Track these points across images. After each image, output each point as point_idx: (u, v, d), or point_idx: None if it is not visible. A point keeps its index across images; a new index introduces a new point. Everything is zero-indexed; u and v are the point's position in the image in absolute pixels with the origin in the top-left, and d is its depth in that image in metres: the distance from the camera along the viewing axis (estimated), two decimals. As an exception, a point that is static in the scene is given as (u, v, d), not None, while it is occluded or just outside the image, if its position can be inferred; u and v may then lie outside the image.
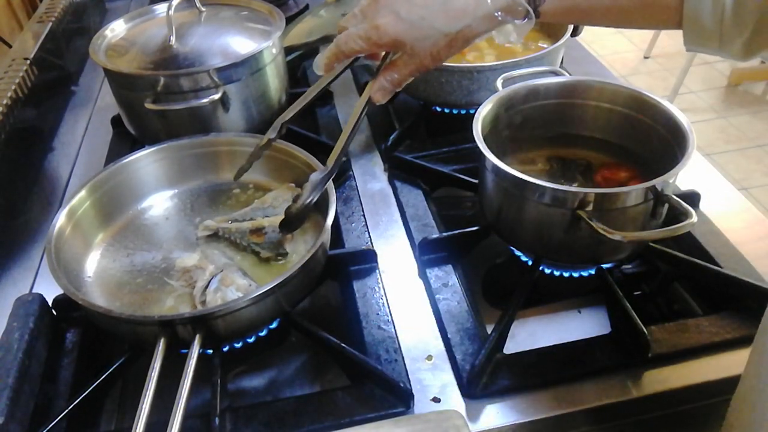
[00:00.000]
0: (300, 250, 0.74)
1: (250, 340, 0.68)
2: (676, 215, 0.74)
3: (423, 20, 0.57)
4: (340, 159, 0.69)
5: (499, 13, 0.57)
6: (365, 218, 0.84)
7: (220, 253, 0.74)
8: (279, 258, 0.73)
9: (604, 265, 0.72)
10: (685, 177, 0.85)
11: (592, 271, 0.74)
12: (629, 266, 0.78)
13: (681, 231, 0.60)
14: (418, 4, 0.57)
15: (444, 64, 0.92)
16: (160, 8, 0.99)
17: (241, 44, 0.91)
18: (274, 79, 0.93)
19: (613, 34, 3.43)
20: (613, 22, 0.61)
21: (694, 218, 0.60)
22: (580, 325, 0.75)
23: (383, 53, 0.66)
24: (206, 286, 0.67)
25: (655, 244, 0.74)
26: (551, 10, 0.58)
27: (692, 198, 0.80)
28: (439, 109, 1.02)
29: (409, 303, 0.73)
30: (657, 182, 0.62)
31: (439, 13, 0.57)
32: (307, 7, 1.31)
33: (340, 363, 0.67)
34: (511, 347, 0.67)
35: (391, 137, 0.95)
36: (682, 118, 0.70)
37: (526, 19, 0.58)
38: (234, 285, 0.67)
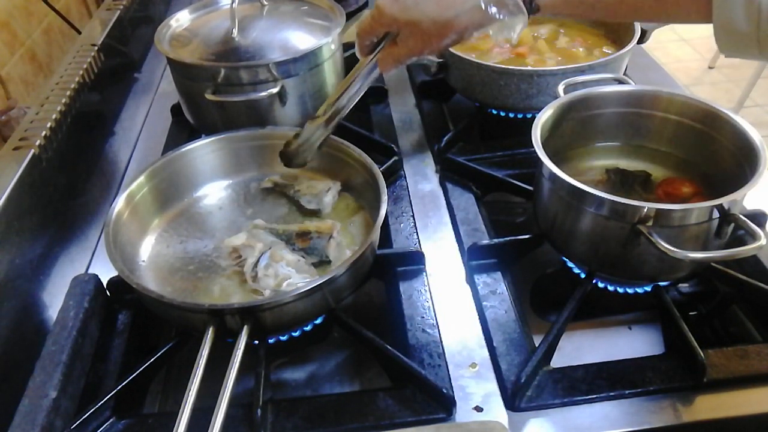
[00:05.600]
0: (345, 257, 0.73)
1: (295, 334, 0.69)
2: (740, 236, 0.71)
3: (416, 5, 0.62)
4: (336, 113, 0.76)
5: (491, 7, 0.59)
6: (414, 219, 0.83)
7: (267, 233, 0.75)
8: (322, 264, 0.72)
9: (661, 283, 0.70)
10: (751, 196, 0.82)
11: (648, 288, 0.71)
12: (686, 285, 0.75)
13: (748, 253, 0.58)
14: None
15: (503, 66, 0.92)
16: (224, 0, 1.00)
17: (301, 39, 0.91)
18: (331, 75, 0.94)
19: (676, 42, 3.32)
20: (626, 16, 0.60)
21: (763, 241, 0.57)
22: (629, 342, 0.72)
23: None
24: (256, 263, 0.69)
25: (716, 264, 0.71)
26: (550, 3, 0.57)
27: (759, 219, 0.77)
28: (495, 111, 1.00)
29: (455, 308, 0.72)
30: (725, 200, 0.59)
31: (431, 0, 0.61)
32: (366, 4, 1.31)
33: (383, 363, 0.67)
34: (556, 360, 0.66)
35: (445, 138, 0.94)
36: (755, 135, 0.67)
37: (519, 14, 0.58)
38: (284, 261, 0.69)
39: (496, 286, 0.73)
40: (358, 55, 0.74)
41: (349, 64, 1.08)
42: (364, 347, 0.67)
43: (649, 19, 0.58)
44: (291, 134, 0.79)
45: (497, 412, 0.61)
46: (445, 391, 0.60)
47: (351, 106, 0.76)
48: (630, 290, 0.72)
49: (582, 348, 0.71)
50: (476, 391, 0.63)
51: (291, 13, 0.98)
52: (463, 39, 0.64)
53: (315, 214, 0.78)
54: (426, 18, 0.61)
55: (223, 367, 0.56)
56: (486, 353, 0.67)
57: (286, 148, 0.79)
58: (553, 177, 0.66)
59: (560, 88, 0.78)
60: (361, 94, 0.76)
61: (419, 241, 0.80)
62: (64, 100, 0.92)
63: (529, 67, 0.91)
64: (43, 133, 0.84)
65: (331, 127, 0.77)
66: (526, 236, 0.76)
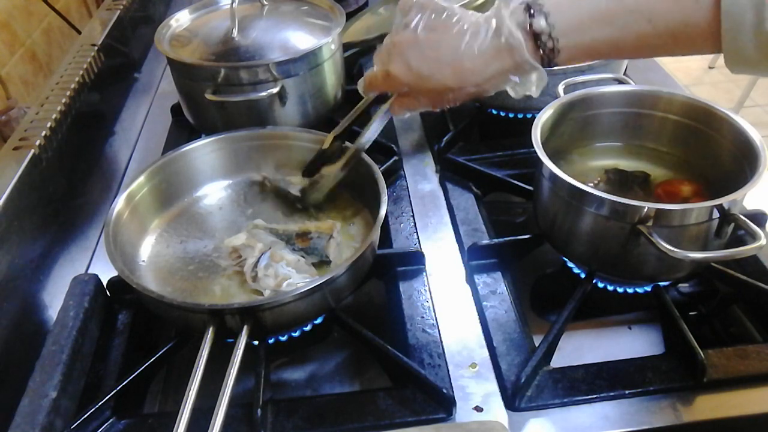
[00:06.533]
0: (345, 256, 0.73)
1: (295, 334, 0.69)
2: (740, 236, 0.71)
3: (431, 75, 0.59)
4: (352, 157, 0.76)
5: (511, 75, 0.58)
6: (414, 219, 0.83)
7: (267, 233, 0.75)
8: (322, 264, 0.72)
9: (661, 283, 0.70)
10: (751, 196, 0.82)
11: (648, 288, 0.71)
12: (686, 285, 0.75)
13: (748, 253, 0.58)
14: (428, 57, 0.59)
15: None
16: (224, 0, 1.00)
17: (300, 39, 0.91)
18: (331, 75, 0.94)
19: (676, 41, 3.31)
20: (641, 55, 0.59)
21: (763, 241, 0.57)
22: (629, 342, 0.72)
23: None
24: (256, 263, 0.69)
25: (716, 264, 0.71)
26: (568, 58, 0.57)
27: (759, 219, 0.77)
28: (494, 111, 1.00)
29: (455, 308, 0.72)
30: (725, 200, 0.59)
31: (448, 69, 0.58)
32: (366, 4, 1.31)
33: (383, 363, 0.67)
34: (556, 360, 0.66)
35: (445, 138, 0.94)
36: (755, 135, 0.67)
37: (535, 71, 0.58)
38: (284, 260, 0.69)
39: (496, 286, 0.73)
40: (361, 92, 0.72)
41: (349, 64, 1.09)
42: (364, 347, 0.67)
43: (663, 56, 0.58)
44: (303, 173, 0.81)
45: (497, 412, 0.61)
46: (445, 391, 0.60)
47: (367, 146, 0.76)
48: (630, 290, 0.72)
49: (582, 348, 0.71)
50: (476, 391, 0.63)
51: (291, 13, 0.98)
52: (478, 98, 0.63)
53: (315, 209, 0.78)
54: (443, 86, 0.60)
55: (223, 367, 0.56)
56: (486, 353, 0.67)
57: (303, 194, 0.80)
58: (553, 177, 0.66)
59: (560, 88, 0.78)
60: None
61: (419, 241, 0.80)
62: (64, 100, 0.92)
63: (529, 67, 0.91)
64: (43, 133, 0.84)
65: (347, 169, 0.77)
66: (526, 236, 0.76)
